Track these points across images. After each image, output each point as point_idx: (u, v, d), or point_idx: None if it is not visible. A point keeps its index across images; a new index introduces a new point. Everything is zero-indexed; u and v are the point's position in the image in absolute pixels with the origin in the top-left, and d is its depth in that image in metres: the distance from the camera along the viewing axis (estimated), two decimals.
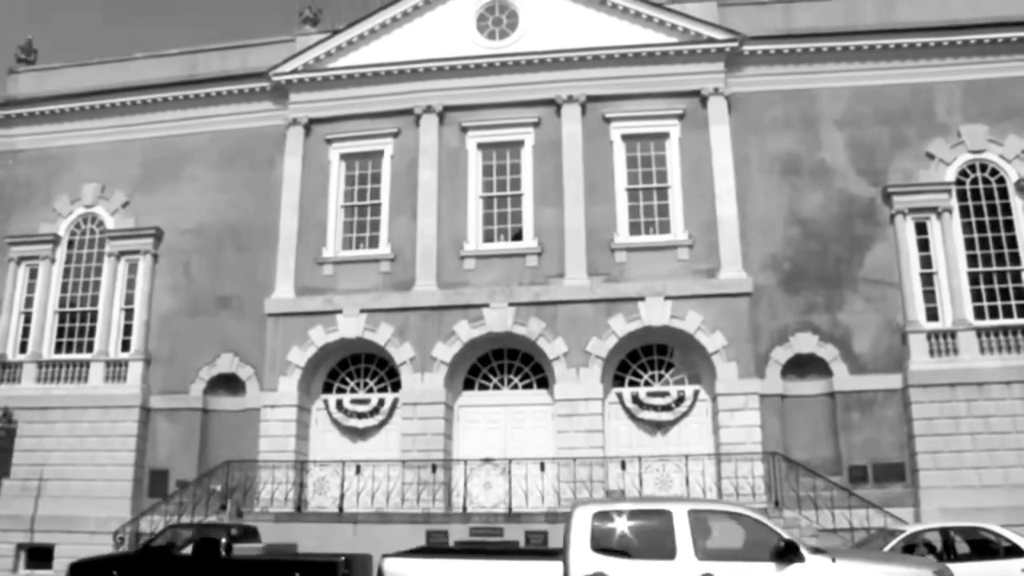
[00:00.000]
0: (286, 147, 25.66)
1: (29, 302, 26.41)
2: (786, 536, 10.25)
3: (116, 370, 25.20)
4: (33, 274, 26.59)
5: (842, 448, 21.84)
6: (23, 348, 26.06)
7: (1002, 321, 22.19)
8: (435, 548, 13.48)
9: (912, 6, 24.53)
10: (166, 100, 26.90)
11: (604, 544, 10.44)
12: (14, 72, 28.69)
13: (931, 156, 23.38)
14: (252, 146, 26.18)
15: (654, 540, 10.41)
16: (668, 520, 10.49)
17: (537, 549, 12.65)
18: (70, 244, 26.81)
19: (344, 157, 25.54)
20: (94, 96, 27.26)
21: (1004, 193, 23.12)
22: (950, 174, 23.26)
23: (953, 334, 22.07)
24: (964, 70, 23.92)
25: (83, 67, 28.30)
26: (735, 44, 24.10)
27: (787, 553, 10.08)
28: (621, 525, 10.63)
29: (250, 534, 18.20)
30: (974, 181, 23.30)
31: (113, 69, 27.87)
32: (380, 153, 25.36)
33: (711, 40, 24.16)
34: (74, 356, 25.66)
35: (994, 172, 23.28)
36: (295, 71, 25.68)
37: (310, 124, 25.69)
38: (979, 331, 22.02)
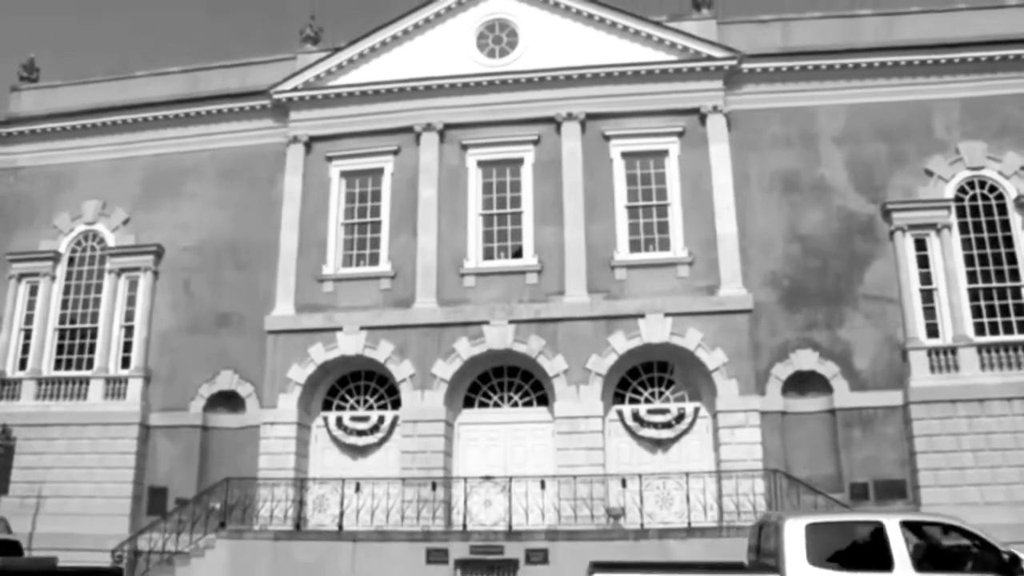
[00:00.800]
0: (286, 164, 25.73)
1: (29, 319, 26.42)
2: (1007, 549, 10.34)
3: (116, 387, 25.17)
4: (33, 291, 26.61)
5: (843, 465, 21.78)
6: (23, 365, 26.05)
7: (1002, 337, 22.18)
8: (644, 563, 13.52)
9: (910, 24, 24.68)
10: (167, 117, 27.00)
11: (820, 557, 10.52)
12: (16, 90, 28.82)
13: (930, 173, 23.44)
14: (253, 163, 26.25)
15: (869, 552, 10.53)
16: (881, 532, 10.59)
17: (739, 564, 12.71)
18: (71, 261, 26.84)
19: (344, 174, 25.60)
20: (95, 114, 27.37)
21: (1003, 209, 23.17)
22: (949, 191, 23.32)
23: (954, 350, 22.05)
24: (962, 87, 24.02)
25: (85, 85, 28.44)
26: (734, 62, 24.20)
27: (1011, 566, 10.17)
28: (834, 537, 10.69)
29: (13, 548, 18.46)
30: (973, 198, 23.35)
31: (114, 87, 28.00)
32: (380, 170, 25.42)
33: (710, 58, 24.26)
34: (74, 373, 25.63)
35: (993, 188, 23.34)
36: (296, 89, 25.77)
37: (310, 142, 25.76)
38: (979, 347, 22.00)
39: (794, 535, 10.70)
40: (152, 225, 26.38)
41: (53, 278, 26.58)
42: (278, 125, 26.26)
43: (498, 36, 25.69)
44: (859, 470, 21.67)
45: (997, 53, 23.79)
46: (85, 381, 25.39)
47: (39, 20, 67.38)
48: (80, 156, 27.52)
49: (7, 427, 22.57)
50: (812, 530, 10.73)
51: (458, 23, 25.80)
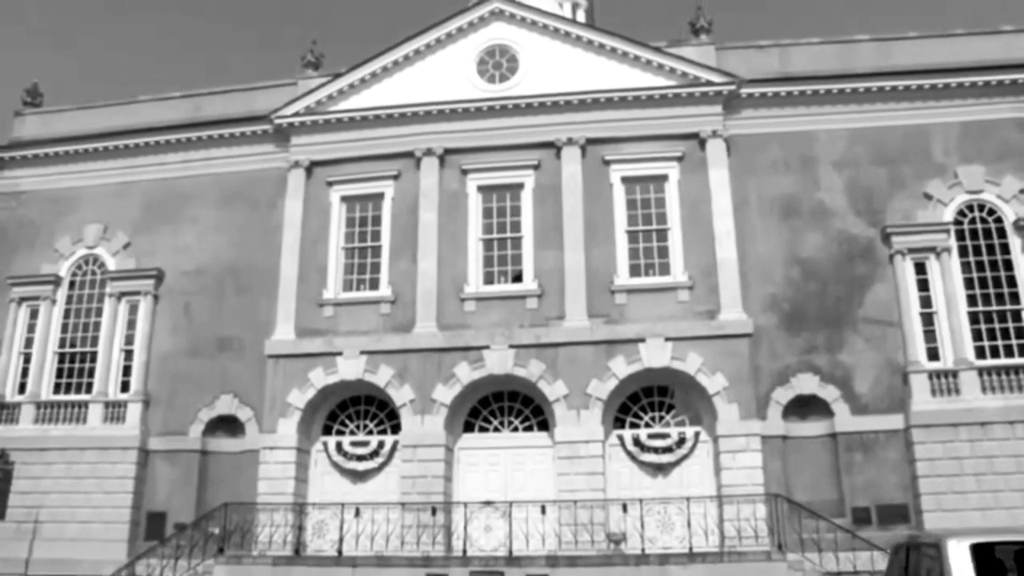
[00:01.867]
0: (287, 189, 25.80)
1: (29, 342, 26.39)
2: None
3: (115, 411, 25.10)
4: (34, 314, 26.60)
5: (845, 490, 21.67)
6: (22, 389, 25.98)
7: (1003, 360, 22.15)
8: None
9: (907, 49, 24.85)
10: (169, 142, 27.11)
11: None
12: (20, 115, 28.97)
13: (929, 196, 23.51)
14: (254, 188, 26.33)
15: None
16: None
17: None
18: (71, 285, 26.85)
19: (345, 199, 25.66)
20: (98, 138, 27.49)
21: (1002, 233, 23.22)
22: (948, 214, 23.38)
23: (955, 374, 22.01)
24: (960, 112, 24.14)
25: (87, 109, 28.60)
26: (733, 87, 24.34)
27: None
28: (1003, 558, 10.50)
29: None
30: (972, 221, 23.41)
31: (117, 112, 28.14)
32: (381, 195, 25.48)
33: (709, 83, 24.40)
34: (73, 397, 25.56)
35: (991, 212, 23.40)
36: (297, 114, 25.91)
37: (311, 166, 25.86)
38: (980, 371, 21.96)
39: (959, 556, 10.49)
40: (153, 249, 26.42)
41: (53, 302, 26.58)
42: (279, 150, 26.37)
43: (498, 62, 25.85)
44: (861, 494, 21.56)
45: (994, 78, 23.93)
46: (84, 405, 25.30)
47: (43, 46, 67.89)
48: (82, 180, 27.61)
49: (5, 451, 22.53)
50: (977, 550, 10.54)
51: (458, 49, 25.98)
